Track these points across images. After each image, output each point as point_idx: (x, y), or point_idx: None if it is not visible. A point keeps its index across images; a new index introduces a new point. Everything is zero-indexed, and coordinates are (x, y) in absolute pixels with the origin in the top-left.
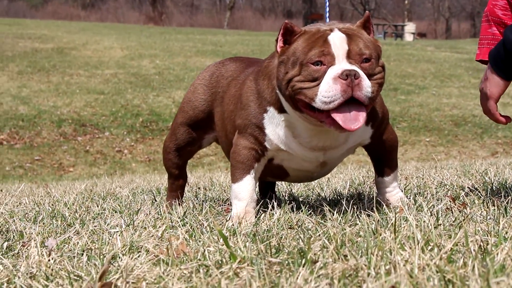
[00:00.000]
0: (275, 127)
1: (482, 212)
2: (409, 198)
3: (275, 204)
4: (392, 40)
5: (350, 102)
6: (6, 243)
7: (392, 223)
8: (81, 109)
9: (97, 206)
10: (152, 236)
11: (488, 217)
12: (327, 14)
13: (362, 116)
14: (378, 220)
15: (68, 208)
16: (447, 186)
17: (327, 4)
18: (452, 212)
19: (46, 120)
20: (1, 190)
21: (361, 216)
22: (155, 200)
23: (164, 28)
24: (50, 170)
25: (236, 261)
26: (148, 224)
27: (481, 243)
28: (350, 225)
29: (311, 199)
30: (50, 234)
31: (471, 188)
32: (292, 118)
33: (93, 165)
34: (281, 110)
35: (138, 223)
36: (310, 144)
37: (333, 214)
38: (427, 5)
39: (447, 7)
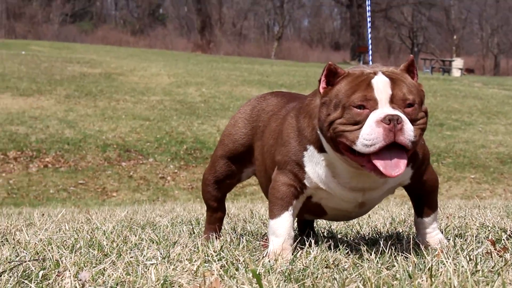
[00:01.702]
0: (314, 166)
1: None
2: (449, 240)
3: (313, 241)
4: (439, 75)
5: (391, 147)
6: (42, 271)
7: (429, 268)
8: (126, 134)
9: (135, 236)
10: (187, 270)
11: None
12: (370, 53)
13: (403, 163)
14: (415, 264)
15: (106, 237)
16: (489, 228)
17: (370, 43)
18: (491, 257)
19: (91, 145)
20: (43, 215)
21: (398, 258)
22: (194, 232)
23: (212, 56)
24: (94, 194)
25: None
26: (184, 258)
27: None
28: (387, 267)
29: (350, 237)
30: (85, 264)
31: None
32: (332, 158)
33: (136, 191)
34: (321, 149)
35: (174, 256)
36: (349, 185)
37: (371, 254)
38: (475, 41)
39: (496, 43)
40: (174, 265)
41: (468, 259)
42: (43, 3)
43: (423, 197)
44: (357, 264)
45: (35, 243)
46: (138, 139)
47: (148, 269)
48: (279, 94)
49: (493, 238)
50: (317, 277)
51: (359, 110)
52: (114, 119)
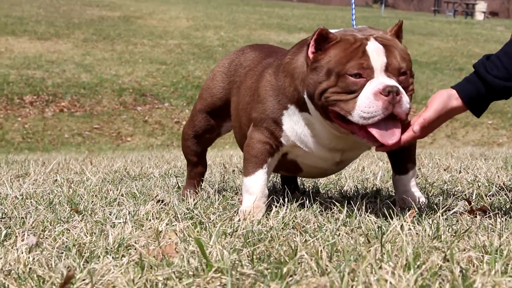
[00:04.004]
0: (293, 124)
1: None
2: (427, 199)
3: (287, 199)
4: (461, 19)
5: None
6: (6, 230)
7: (385, 233)
8: (143, 78)
9: (117, 191)
10: (150, 229)
11: (501, 227)
12: (354, 13)
13: (398, 131)
14: (378, 228)
15: (87, 192)
16: (479, 183)
17: (353, 1)
18: (460, 220)
19: (107, 89)
20: (44, 163)
21: (365, 220)
22: (180, 187)
23: None
24: (108, 139)
25: (212, 270)
26: (155, 216)
27: (476, 262)
28: (352, 229)
29: (330, 194)
30: (51, 223)
31: (506, 186)
32: (313, 119)
33: (150, 136)
34: (302, 109)
35: (144, 215)
36: (329, 146)
37: (341, 214)
38: None
39: None
40: (139, 224)
41: (436, 222)
42: None
43: (400, 154)
44: (322, 226)
45: (14, 197)
46: (154, 83)
47: (115, 228)
48: (257, 48)
49: (481, 194)
50: (273, 240)
51: (355, 78)
52: (131, 63)
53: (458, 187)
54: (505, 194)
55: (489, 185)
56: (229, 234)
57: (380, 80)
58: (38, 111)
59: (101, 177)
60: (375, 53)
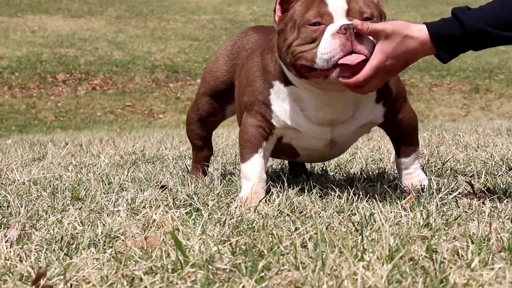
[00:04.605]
0: (281, 102)
1: (499, 204)
2: (431, 181)
3: (285, 185)
4: None
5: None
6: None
7: (380, 221)
8: (175, 55)
9: (124, 175)
10: (144, 218)
11: (498, 213)
12: None
13: (361, 57)
14: (369, 215)
15: (95, 177)
16: (494, 161)
17: None
18: (457, 205)
19: (139, 66)
20: (67, 144)
21: (360, 205)
22: (188, 169)
23: None
24: (140, 117)
25: (188, 265)
26: (152, 204)
27: (461, 252)
28: (349, 214)
29: (336, 176)
30: (47, 212)
31: None
32: (298, 89)
33: (182, 112)
34: (286, 82)
35: (140, 203)
36: (317, 117)
37: (340, 199)
38: None
39: None
40: (134, 213)
41: (426, 209)
42: None
43: (401, 137)
44: (317, 213)
45: (22, 182)
46: (186, 60)
47: (110, 216)
48: (261, 30)
49: (493, 173)
50: (263, 229)
51: (314, 27)
52: (163, 40)
53: (471, 166)
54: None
55: (502, 163)
56: (222, 222)
57: (339, 22)
58: (71, 89)
59: (115, 160)
60: (335, 0)
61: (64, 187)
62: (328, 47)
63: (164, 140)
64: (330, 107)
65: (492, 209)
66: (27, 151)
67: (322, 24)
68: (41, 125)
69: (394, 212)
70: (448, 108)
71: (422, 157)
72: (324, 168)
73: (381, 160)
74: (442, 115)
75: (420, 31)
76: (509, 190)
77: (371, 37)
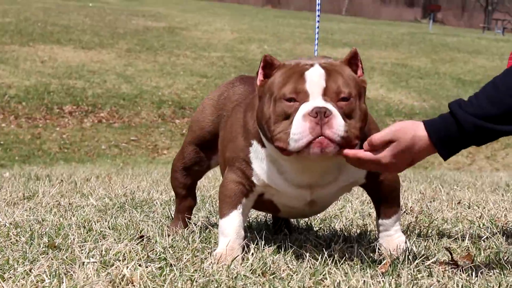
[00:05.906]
0: (260, 162)
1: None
2: (411, 245)
3: (261, 243)
4: (510, 36)
5: None
6: None
7: None
8: (183, 91)
9: (106, 222)
10: (114, 273)
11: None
12: (316, 43)
13: (328, 146)
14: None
15: (76, 222)
16: (482, 222)
17: (317, 32)
18: (431, 274)
19: (146, 101)
20: (61, 180)
21: (333, 270)
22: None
23: (280, 11)
24: (144, 152)
25: None
26: (125, 257)
27: None
28: (321, 278)
29: (318, 234)
30: (18, 261)
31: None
32: (275, 153)
33: None
34: (263, 144)
35: (114, 255)
36: (295, 181)
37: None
38: None
39: None
40: (106, 266)
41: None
42: None
43: (383, 198)
44: (290, 275)
45: (2, 225)
46: (193, 96)
47: (83, 267)
48: (247, 82)
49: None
50: None
51: (289, 103)
52: (172, 75)
53: (458, 227)
54: (502, 237)
55: (490, 224)
56: (192, 281)
57: (313, 103)
58: (77, 121)
59: (104, 203)
60: (313, 77)
61: (44, 232)
62: (298, 129)
63: (159, 182)
64: (310, 172)
65: (466, 280)
66: (19, 188)
67: (297, 101)
68: (45, 156)
69: (363, 280)
70: (454, 156)
71: (410, 214)
72: (309, 223)
73: (370, 215)
74: (447, 163)
75: (423, 131)
76: (489, 257)
77: (342, 120)
